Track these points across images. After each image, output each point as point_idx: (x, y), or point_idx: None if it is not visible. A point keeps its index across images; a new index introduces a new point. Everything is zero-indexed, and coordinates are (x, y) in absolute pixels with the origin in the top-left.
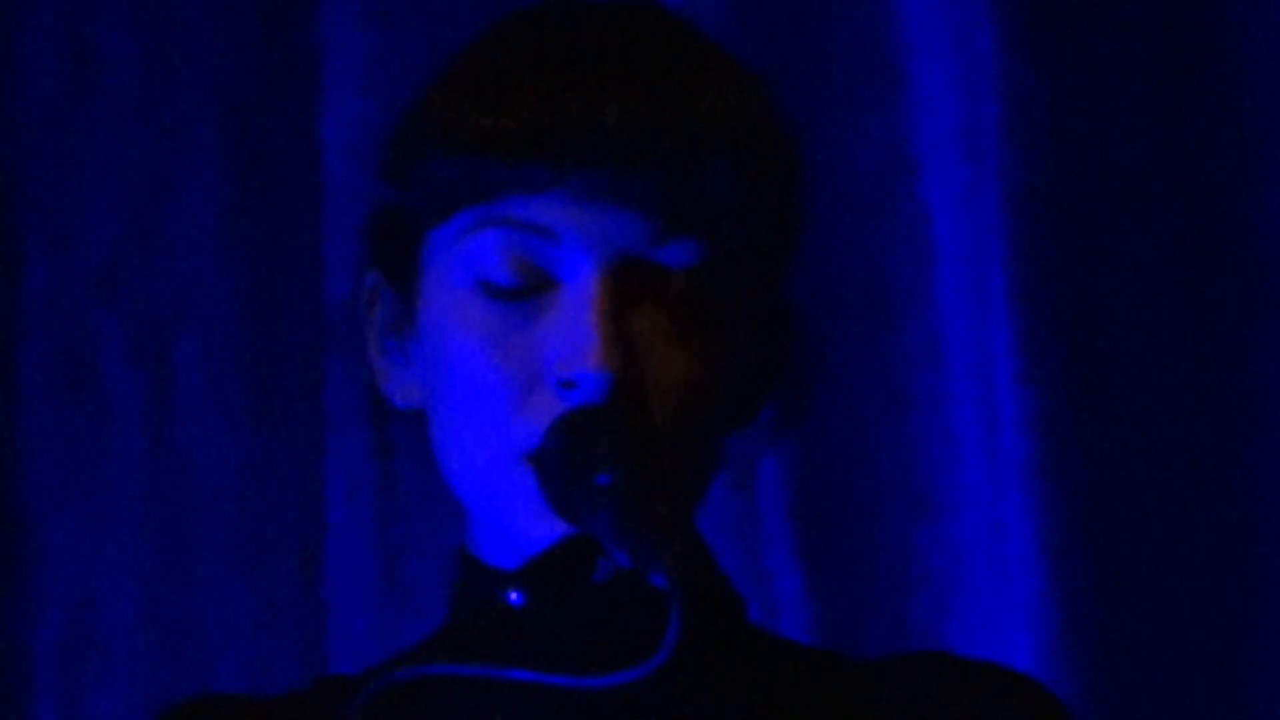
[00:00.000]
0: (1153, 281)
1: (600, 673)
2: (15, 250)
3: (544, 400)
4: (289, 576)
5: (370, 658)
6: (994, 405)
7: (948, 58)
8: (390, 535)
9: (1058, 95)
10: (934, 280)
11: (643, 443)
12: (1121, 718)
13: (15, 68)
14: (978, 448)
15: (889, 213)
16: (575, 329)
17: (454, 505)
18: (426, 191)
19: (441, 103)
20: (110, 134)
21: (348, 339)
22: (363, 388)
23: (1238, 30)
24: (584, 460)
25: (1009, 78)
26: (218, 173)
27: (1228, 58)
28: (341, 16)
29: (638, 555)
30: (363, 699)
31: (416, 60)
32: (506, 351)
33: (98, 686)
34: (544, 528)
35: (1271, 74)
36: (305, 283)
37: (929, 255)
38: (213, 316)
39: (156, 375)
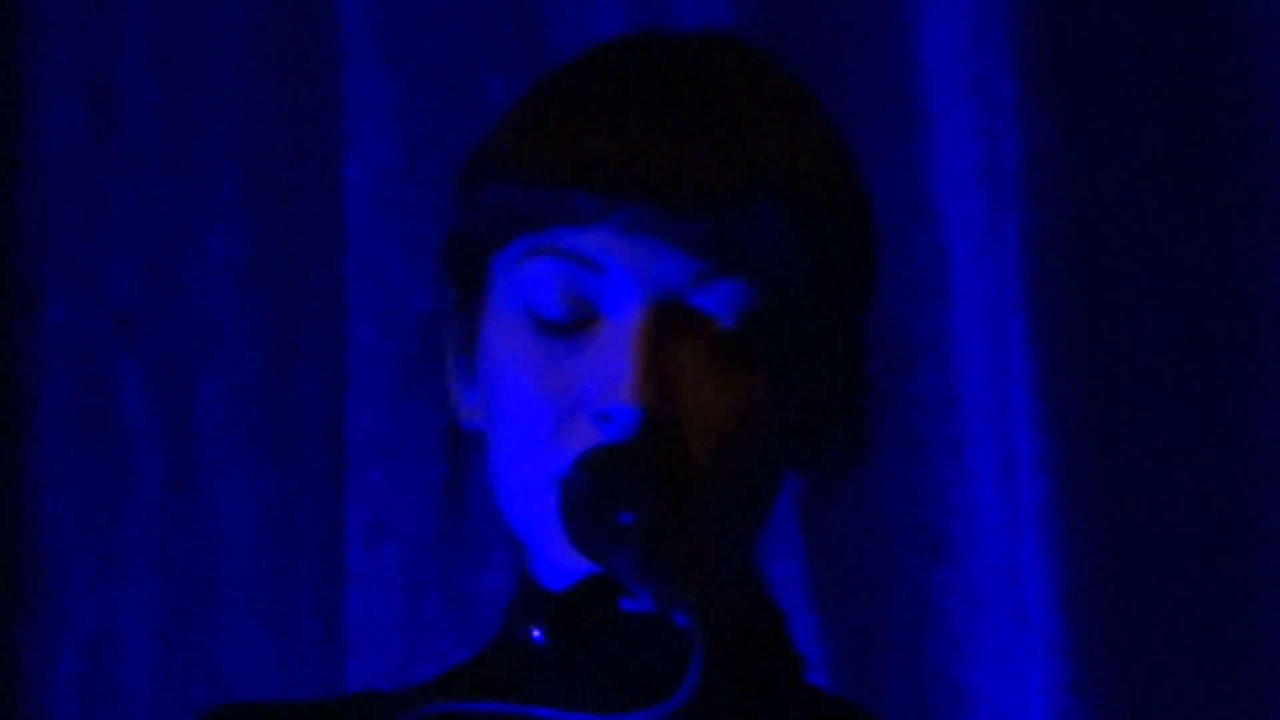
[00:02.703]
0: (1170, 326)
1: (622, 711)
2: (37, 291)
3: (583, 431)
4: (308, 618)
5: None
6: (1011, 448)
7: (968, 102)
8: (410, 577)
9: (1077, 140)
10: (952, 323)
11: (669, 481)
12: None
13: (40, 111)
14: (994, 491)
15: (908, 256)
16: (614, 362)
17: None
18: (488, 216)
19: (505, 131)
20: (133, 177)
21: (369, 382)
22: (382, 429)
23: (1256, 77)
24: (608, 498)
25: (1028, 123)
26: (239, 216)
27: (1246, 105)
28: (364, 63)
29: (660, 594)
30: None
31: (438, 107)
32: (549, 381)
33: None
34: (572, 557)
35: None
36: (326, 325)
37: (947, 298)
38: (233, 358)
39: (176, 417)
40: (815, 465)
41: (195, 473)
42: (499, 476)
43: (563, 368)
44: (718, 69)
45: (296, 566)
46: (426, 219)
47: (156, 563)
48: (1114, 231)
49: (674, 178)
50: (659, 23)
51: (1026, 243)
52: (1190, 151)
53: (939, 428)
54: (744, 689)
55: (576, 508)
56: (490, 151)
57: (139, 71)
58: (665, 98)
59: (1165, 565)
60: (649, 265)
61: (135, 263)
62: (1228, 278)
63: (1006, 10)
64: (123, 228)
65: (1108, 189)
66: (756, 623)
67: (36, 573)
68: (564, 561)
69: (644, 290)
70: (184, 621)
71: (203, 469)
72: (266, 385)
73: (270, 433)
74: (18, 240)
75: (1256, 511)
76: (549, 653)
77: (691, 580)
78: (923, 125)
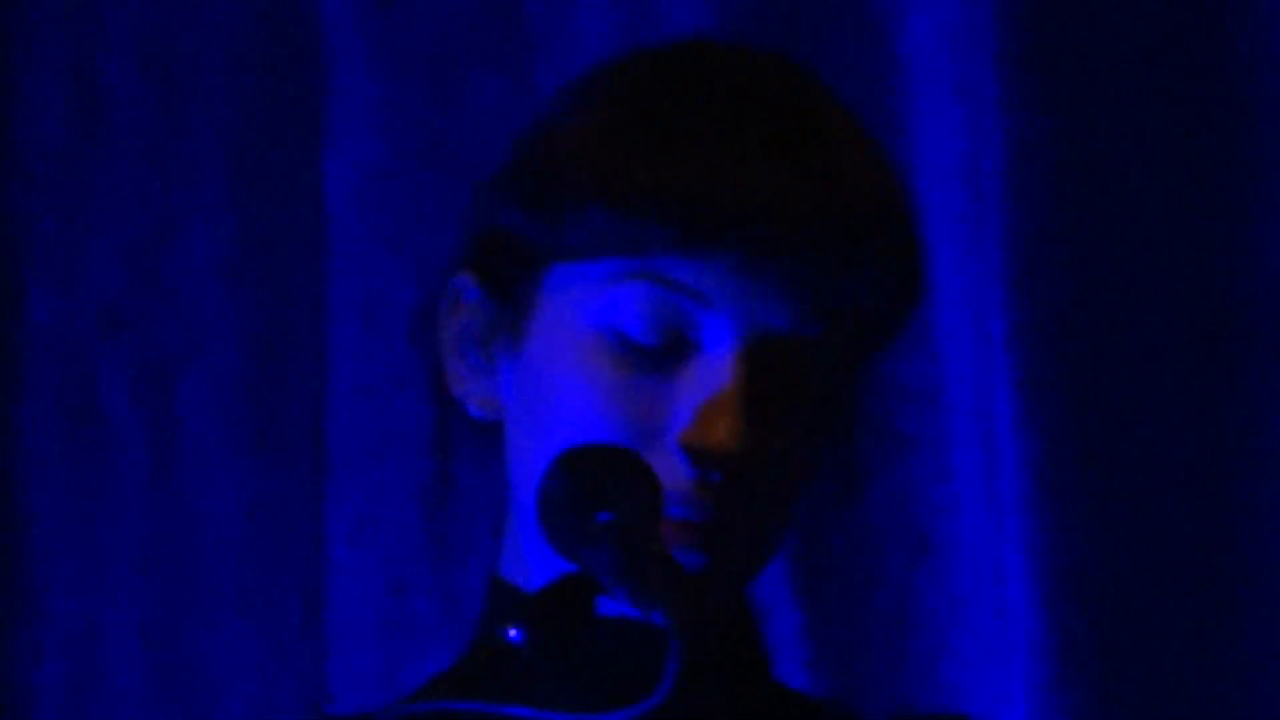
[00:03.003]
0: (1154, 325)
1: (600, 711)
2: (20, 287)
3: (658, 457)
4: (291, 616)
5: (372, 698)
6: (994, 447)
7: (951, 102)
8: (392, 575)
9: (1060, 140)
10: (935, 323)
11: (646, 481)
12: None
13: (24, 107)
14: (977, 489)
15: None
16: (713, 401)
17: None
18: (574, 230)
19: (602, 145)
20: (116, 173)
21: (351, 378)
22: (364, 426)
23: (1241, 77)
24: (585, 497)
25: (1012, 122)
26: (223, 213)
27: (1231, 104)
28: (347, 62)
29: (636, 594)
30: None
31: (421, 104)
32: (628, 405)
33: None
34: None
35: (1273, 120)
36: (308, 323)
37: (929, 298)
38: (216, 355)
39: (160, 413)
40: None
41: (179, 469)
42: (534, 484)
43: (644, 390)
44: (812, 96)
45: (279, 563)
46: (409, 216)
47: (140, 559)
48: (1097, 231)
49: (796, 222)
50: (644, 20)
51: (1009, 242)
52: (1174, 150)
53: (922, 426)
54: (715, 687)
55: (554, 506)
56: (582, 167)
57: (123, 68)
58: (778, 129)
59: (1148, 564)
60: (753, 305)
61: (119, 259)
62: (1211, 276)
63: (990, 10)
64: (107, 224)
65: (1091, 188)
66: (734, 621)
67: (20, 570)
68: None
69: (745, 328)
70: (167, 618)
71: (186, 465)
72: (250, 382)
73: (253, 429)
74: (1, 236)
75: (1239, 509)
76: (526, 652)
77: (667, 579)
78: (906, 124)
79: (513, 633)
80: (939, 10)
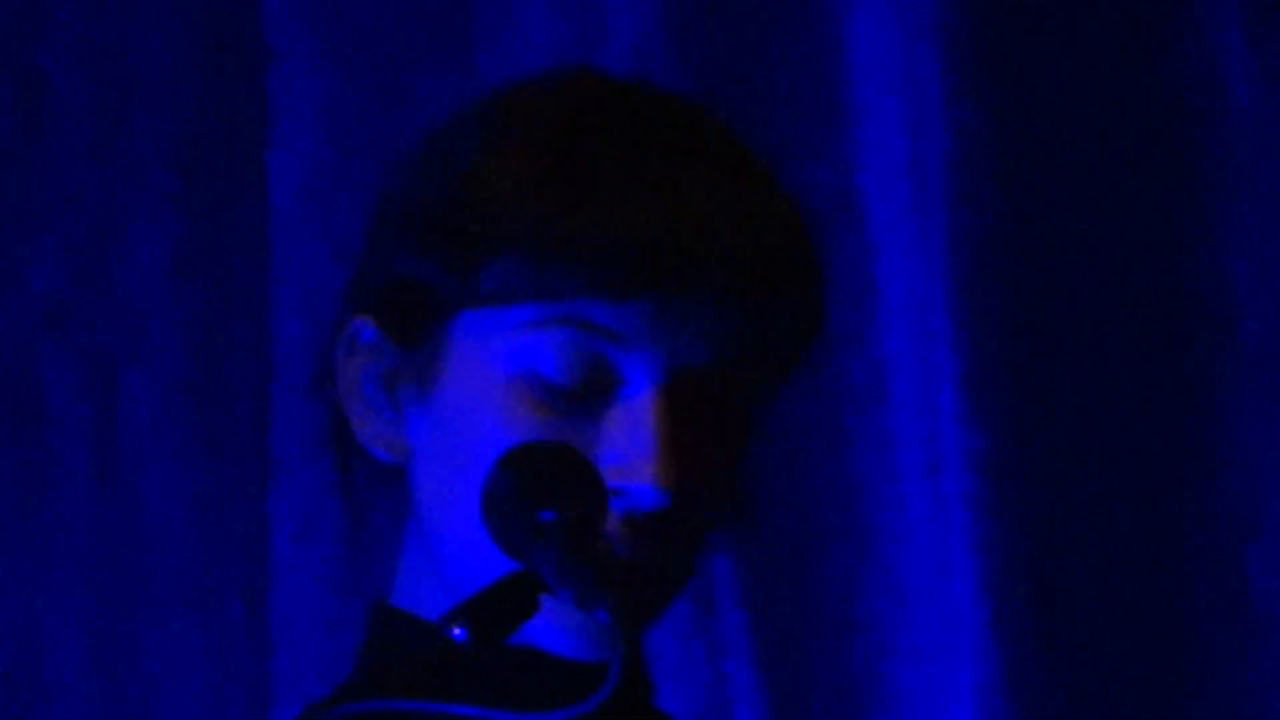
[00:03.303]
0: (1096, 320)
1: (542, 709)
2: None
3: None
4: (235, 614)
5: (316, 697)
6: (938, 443)
7: (895, 98)
8: (337, 573)
9: (1004, 136)
10: (878, 318)
11: (590, 481)
12: None
13: None
14: (922, 487)
15: (834, 251)
16: (635, 439)
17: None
18: (487, 277)
19: (516, 194)
20: (59, 170)
21: (296, 377)
22: (310, 426)
23: (1186, 74)
24: (529, 496)
25: (956, 119)
26: (167, 210)
27: (1175, 101)
28: (291, 58)
29: (580, 593)
30: None
31: (366, 102)
32: None
33: None
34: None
35: (1217, 113)
36: (253, 320)
37: (873, 294)
38: (160, 352)
39: (103, 410)
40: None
41: (122, 466)
42: (453, 532)
43: (570, 435)
44: (712, 141)
45: (223, 561)
46: (355, 214)
47: (83, 556)
48: (1041, 228)
49: (713, 263)
50: (590, 15)
51: (953, 239)
52: (1120, 144)
53: (866, 424)
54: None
55: (498, 506)
56: (491, 211)
57: (67, 66)
58: (690, 172)
59: (1094, 561)
60: (675, 343)
61: (62, 256)
62: (1155, 273)
63: (934, 6)
64: (49, 221)
65: (1035, 185)
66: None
67: None
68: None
69: (666, 367)
70: (110, 615)
71: (130, 463)
72: (193, 379)
73: (197, 427)
74: None
75: (1184, 504)
76: (469, 651)
77: (611, 578)
78: (850, 120)
79: (457, 631)
80: (884, 6)
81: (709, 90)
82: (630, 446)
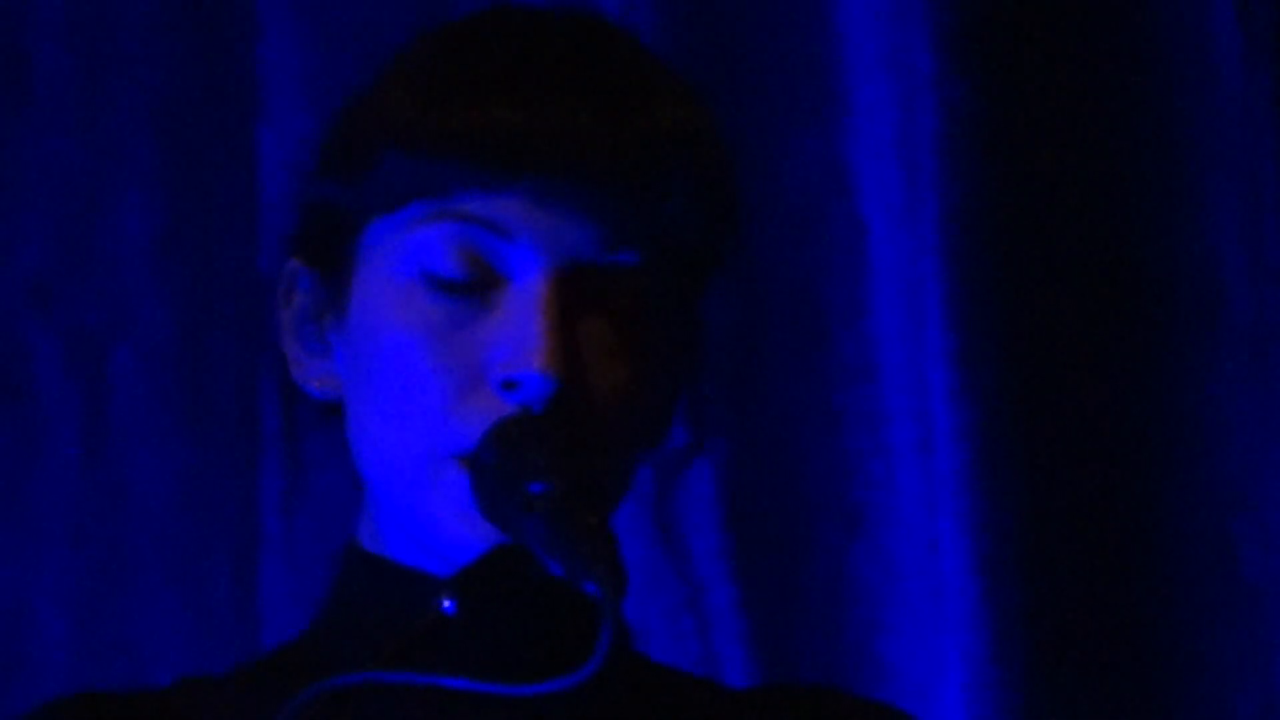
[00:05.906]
0: (1086, 297)
1: (531, 681)
2: None
3: (483, 400)
4: (223, 589)
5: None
6: (928, 420)
7: (885, 74)
8: (325, 548)
9: (994, 112)
10: (869, 295)
11: (577, 451)
12: None
13: None
14: (912, 462)
15: (824, 228)
16: (522, 329)
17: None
18: (376, 183)
19: (397, 99)
20: (45, 146)
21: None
22: (297, 399)
23: (1174, 53)
24: (518, 468)
25: (946, 95)
26: (154, 185)
27: (1164, 79)
28: (280, 34)
29: (569, 564)
30: (292, 708)
31: (353, 77)
32: (448, 347)
33: (30, 699)
34: (465, 531)
35: (1206, 92)
36: (240, 295)
37: (864, 270)
38: (147, 328)
39: (90, 386)
40: (661, 444)
41: (110, 442)
42: (373, 447)
43: (463, 332)
44: (601, 40)
45: (211, 536)
46: None
47: (71, 532)
48: (1031, 204)
49: (586, 148)
50: None
51: (943, 215)
52: (1107, 123)
53: (856, 400)
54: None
55: (486, 479)
56: (378, 120)
57: (52, 40)
58: (565, 67)
59: (1082, 536)
60: (557, 232)
61: (48, 232)
62: (1145, 251)
63: None
64: (35, 197)
65: (1025, 162)
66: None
67: None
68: (444, 537)
69: (551, 257)
70: (99, 591)
71: (117, 438)
72: (180, 354)
73: (185, 402)
74: None
75: (1172, 482)
76: (459, 623)
77: (600, 549)
78: (839, 97)
79: (446, 603)
80: None
81: (699, 66)
82: (517, 336)
